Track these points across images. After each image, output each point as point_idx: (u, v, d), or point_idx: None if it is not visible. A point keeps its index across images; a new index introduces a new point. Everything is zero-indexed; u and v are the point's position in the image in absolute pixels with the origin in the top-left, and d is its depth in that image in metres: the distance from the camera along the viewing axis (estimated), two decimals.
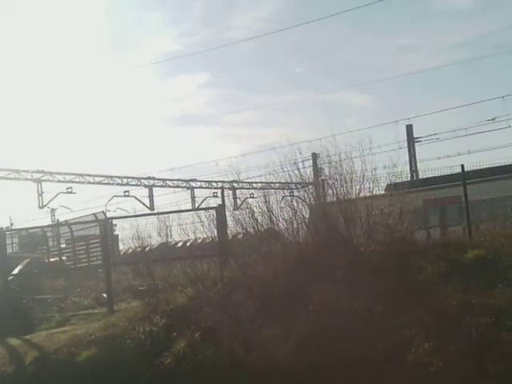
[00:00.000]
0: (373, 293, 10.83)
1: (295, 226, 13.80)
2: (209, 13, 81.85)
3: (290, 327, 10.72)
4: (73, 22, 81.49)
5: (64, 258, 23.65)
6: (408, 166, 36.99)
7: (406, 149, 40.54)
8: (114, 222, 19.54)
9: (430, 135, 40.46)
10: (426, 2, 73.32)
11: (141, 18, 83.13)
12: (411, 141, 41.47)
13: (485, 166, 19.10)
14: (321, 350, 9.99)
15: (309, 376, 9.80)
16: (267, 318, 11.11)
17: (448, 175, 18.02)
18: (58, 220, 41.73)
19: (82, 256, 21.03)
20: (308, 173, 15.37)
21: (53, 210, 47.36)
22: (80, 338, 13.06)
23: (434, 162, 34.59)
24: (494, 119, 36.24)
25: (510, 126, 35.90)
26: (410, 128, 41.48)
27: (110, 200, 43.31)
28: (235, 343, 11.00)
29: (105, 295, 16.64)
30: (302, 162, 14.83)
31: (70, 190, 42.24)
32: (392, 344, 9.75)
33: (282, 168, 14.42)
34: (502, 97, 35.90)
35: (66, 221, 28.84)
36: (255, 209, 14.95)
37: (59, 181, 42.24)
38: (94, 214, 25.59)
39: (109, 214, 29.20)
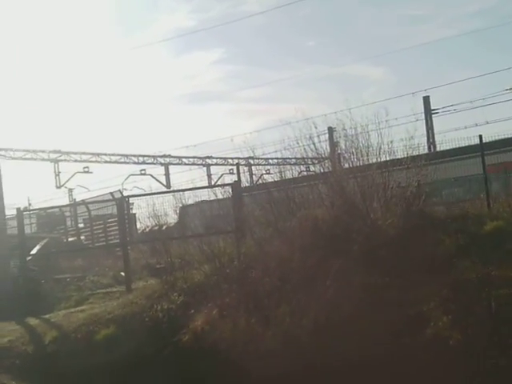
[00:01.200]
0: (390, 267, 10.73)
1: (312, 200, 13.71)
2: None
3: (307, 303, 10.66)
4: (85, 2, 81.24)
5: (82, 237, 23.81)
6: (425, 138, 36.55)
7: (424, 121, 40.06)
8: (131, 200, 19.61)
9: (447, 106, 39.99)
10: None
11: None
12: (428, 112, 40.97)
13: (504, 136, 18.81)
14: (338, 326, 9.94)
15: (326, 351, 9.75)
16: (284, 294, 11.06)
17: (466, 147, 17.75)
18: (75, 200, 42.09)
19: (99, 235, 21.14)
20: (324, 147, 15.23)
21: (70, 190, 47.83)
22: (98, 317, 13.10)
23: (452, 134, 34.10)
24: (511, 89, 35.62)
25: None
26: (427, 99, 41.00)
27: (126, 179, 43.52)
28: (253, 320, 10.97)
29: (123, 274, 16.72)
30: (318, 136, 14.61)
31: (86, 170, 42.51)
32: (411, 318, 9.66)
33: (298, 143, 14.26)
34: None
35: (83, 200, 28.93)
36: (271, 184, 14.93)
37: (76, 160, 42.48)
38: (111, 193, 25.56)
39: (125, 193, 29.20)
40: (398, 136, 13.71)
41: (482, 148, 14.80)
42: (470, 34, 75.47)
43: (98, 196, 28.35)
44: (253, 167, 33.36)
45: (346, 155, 13.92)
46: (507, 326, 8.95)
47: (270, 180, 14.97)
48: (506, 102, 36.68)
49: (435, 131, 40.51)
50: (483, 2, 73.63)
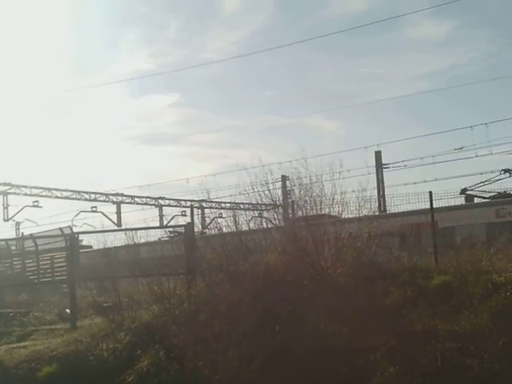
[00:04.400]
0: (340, 315, 10.86)
1: (264, 246, 13.83)
2: (182, 34, 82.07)
3: (256, 348, 10.66)
4: (44, 39, 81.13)
5: (28, 272, 23.23)
6: (376, 191, 37.25)
7: (375, 174, 40.92)
8: (81, 237, 19.33)
9: (398, 162, 40.94)
10: (398, 31, 74.47)
11: (114, 37, 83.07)
12: (380, 167, 41.86)
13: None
14: (286, 371, 9.96)
15: None
16: (233, 338, 11.03)
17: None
18: (22, 233, 41.14)
19: (46, 271, 20.68)
20: (278, 194, 15.46)
21: (18, 224, 46.71)
22: (41, 354, 12.85)
23: (401, 188, 34.89)
24: (461, 148, 36.80)
25: (476, 156, 36.47)
26: (378, 154, 41.92)
27: (77, 215, 42.80)
28: (200, 363, 10.90)
29: (68, 311, 16.37)
30: (273, 183, 14.91)
31: (36, 204, 41.75)
32: (358, 367, 9.76)
33: (253, 188, 14.47)
34: (471, 126, 36.46)
35: (31, 234, 28.39)
36: (224, 228, 15.01)
37: (26, 194, 41.73)
38: (61, 229, 25.19)
39: (75, 229, 28.79)
40: (350, 188, 14.08)
41: (432, 204, 15.16)
42: (421, 94, 77.68)
43: (46, 231, 27.84)
44: (206, 210, 33.36)
45: (300, 203, 14.15)
46: (452, 378, 9.12)
47: (224, 224, 15.01)
48: (454, 160, 37.80)
49: (386, 185, 41.37)
50: (434, 65, 76.32)
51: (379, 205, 29.27)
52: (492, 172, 30.71)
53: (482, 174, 33.59)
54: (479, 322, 10.08)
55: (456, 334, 9.89)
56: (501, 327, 9.83)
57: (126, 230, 17.18)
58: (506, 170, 28.27)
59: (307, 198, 13.85)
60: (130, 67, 78.37)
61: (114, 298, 14.35)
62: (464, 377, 9.07)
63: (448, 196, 19.04)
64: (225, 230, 14.73)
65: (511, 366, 9.11)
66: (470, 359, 9.34)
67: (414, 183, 36.89)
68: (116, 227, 38.24)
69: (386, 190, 40.33)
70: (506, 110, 72.45)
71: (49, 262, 20.85)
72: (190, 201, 39.65)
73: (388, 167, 41.96)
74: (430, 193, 15.32)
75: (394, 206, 16.94)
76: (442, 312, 10.55)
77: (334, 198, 13.60)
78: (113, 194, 44.97)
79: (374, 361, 9.80)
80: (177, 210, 43.41)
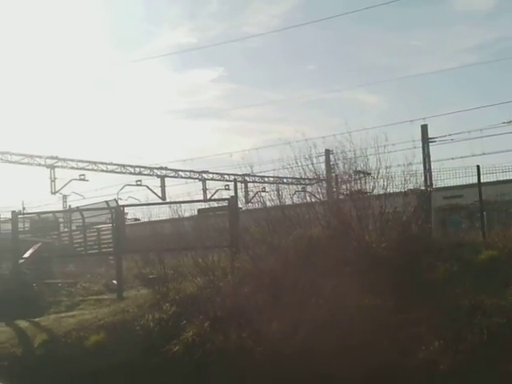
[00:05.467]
0: (383, 289, 10.80)
1: (307, 220, 13.81)
2: (223, 8, 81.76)
3: (299, 321, 10.70)
4: (89, 15, 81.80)
5: (75, 244, 23.74)
6: (422, 166, 36.73)
7: (421, 148, 40.30)
8: (126, 209, 19.61)
9: (445, 136, 40.23)
10: (444, 3, 72.79)
11: (155, 12, 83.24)
12: (425, 141, 41.18)
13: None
14: (329, 345, 9.97)
15: (315, 370, 9.78)
16: (276, 311, 11.09)
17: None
18: (69, 206, 41.96)
19: (93, 242, 21.10)
20: (322, 168, 15.36)
21: (65, 196, 47.70)
22: (89, 323, 13.10)
23: (449, 162, 34.29)
24: (510, 122, 35.94)
25: None
26: (424, 128, 41.22)
27: (122, 188, 43.45)
28: (244, 334, 11.00)
29: (115, 282, 16.71)
30: (316, 157, 14.80)
31: (82, 177, 42.41)
32: (401, 340, 9.71)
33: (296, 162, 14.38)
34: None
35: (77, 207, 28.92)
36: (268, 202, 15.02)
37: (72, 167, 42.39)
38: (106, 202, 25.62)
39: (121, 203, 29.20)
40: (396, 162, 13.89)
41: (480, 178, 14.91)
42: (468, 67, 75.98)
43: (92, 204, 28.36)
44: (249, 184, 33.45)
45: (344, 177, 14.05)
46: (498, 353, 9.01)
47: (267, 197, 15.02)
48: (503, 134, 36.95)
49: (432, 159, 40.71)
50: (480, 38, 74.41)
51: (425, 179, 28.87)
52: None
53: None
54: None
55: (503, 309, 9.76)
56: None
57: (171, 203, 17.31)
58: None
59: (351, 172, 13.75)
60: (171, 41, 78.75)
61: (159, 269, 14.54)
62: (511, 351, 8.94)
63: (497, 170, 18.69)
64: (268, 203, 14.75)
65: None
66: None
67: (461, 157, 36.24)
68: (160, 200, 38.63)
69: (432, 164, 39.74)
70: None
71: (95, 234, 21.29)
72: (234, 175, 39.78)
73: (434, 141, 41.25)
74: (478, 167, 15.07)
75: (441, 180, 16.69)
76: (488, 287, 10.40)
77: (378, 172, 13.50)
78: (157, 168, 45.35)
79: (419, 335, 9.73)
80: (220, 184, 43.63)
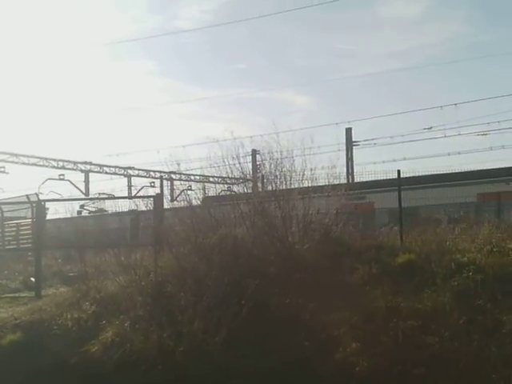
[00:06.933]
0: (305, 290, 10.96)
1: (233, 219, 13.85)
2: (156, 1, 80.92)
3: (221, 321, 10.71)
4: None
5: None
6: (345, 169, 37.51)
7: (344, 151, 41.15)
8: (47, 204, 19.11)
9: (369, 140, 41.24)
10: (372, 8, 74.43)
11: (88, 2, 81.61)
12: (350, 144, 42.13)
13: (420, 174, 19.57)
14: (250, 345, 10.05)
15: (235, 371, 9.83)
16: (199, 311, 11.06)
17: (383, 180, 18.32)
18: None
19: (11, 238, 20.44)
20: (249, 168, 15.45)
21: None
22: (5, 322, 12.73)
23: (371, 166, 35.24)
24: (430, 128, 37.19)
25: (445, 136, 36.91)
26: (349, 131, 42.16)
27: (43, 182, 42.17)
28: (165, 334, 10.92)
29: (33, 279, 16.26)
30: (244, 156, 14.89)
31: (2, 170, 41.01)
32: (321, 342, 9.88)
33: (224, 161, 14.42)
34: (441, 107, 36.85)
35: None
36: (194, 200, 15.00)
37: None
38: (27, 196, 24.85)
39: (42, 197, 28.41)
40: (321, 164, 14.16)
41: (400, 182, 15.29)
42: (392, 72, 78.12)
43: (12, 197, 27.46)
44: (175, 182, 33.19)
45: (270, 177, 14.18)
46: (412, 356, 9.28)
47: (193, 196, 14.99)
48: (423, 140, 38.24)
49: (355, 163, 41.65)
50: (406, 44, 76.63)
51: (348, 182, 29.48)
52: (459, 153, 31.08)
53: (449, 154, 34.06)
54: (441, 300, 10.28)
55: (418, 312, 10.08)
56: (462, 306, 10.04)
57: (94, 199, 17.10)
58: None
59: (277, 173, 13.90)
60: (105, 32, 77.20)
61: (80, 267, 14.26)
62: (424, 354, 9.23)
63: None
64: (194, 202, 14.72)
65: (470, 344, 9.32)
66: (430, 337, 9.54)
67: (383, 162, 37.24)
68: (84, 196, 37.88)
69: (355, 167, 40.66)
70: (476, 90, 73.43)
71: (14, 229, 20.62)
72: (160, 172, 39.46)
73: (358, 145, 42.26)
74: (399, 171, 15.45)
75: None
76: (405, 290, 10.72)
77: (304, 174, 13.72)
78: (81, 162, 44.34)
79: (337, 336, 9.92)
80: (145, 181, 43.12)
